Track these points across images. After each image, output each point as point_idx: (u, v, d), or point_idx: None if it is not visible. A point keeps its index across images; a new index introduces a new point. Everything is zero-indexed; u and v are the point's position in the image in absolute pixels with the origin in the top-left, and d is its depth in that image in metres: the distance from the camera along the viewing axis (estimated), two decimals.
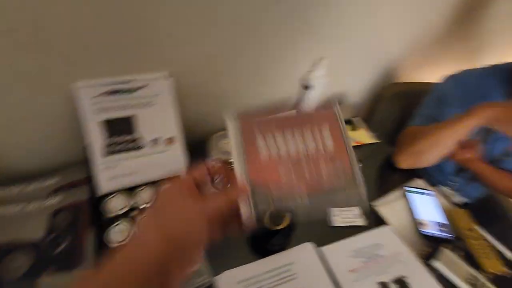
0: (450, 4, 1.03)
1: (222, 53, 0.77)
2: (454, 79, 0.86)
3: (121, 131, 0.66)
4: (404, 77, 1.19)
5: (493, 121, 0.67)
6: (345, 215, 0.70)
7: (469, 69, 0.87)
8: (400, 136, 0.87)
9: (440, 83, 0.88)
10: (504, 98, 0.81)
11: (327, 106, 0.33)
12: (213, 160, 0.32)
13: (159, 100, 0.68)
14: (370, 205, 0.74)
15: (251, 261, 0.58)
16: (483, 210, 1.04)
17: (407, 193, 0.77)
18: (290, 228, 0.60)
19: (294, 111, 0.33)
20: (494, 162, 0.87)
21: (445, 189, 0.98)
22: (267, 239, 0.60)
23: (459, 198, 0.99)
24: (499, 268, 0.63)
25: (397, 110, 1.10)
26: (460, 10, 1.07)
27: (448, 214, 0.73)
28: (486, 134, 0.85)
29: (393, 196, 0.77)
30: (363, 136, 0.96)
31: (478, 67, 0.87)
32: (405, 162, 0.83)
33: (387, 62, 1.11)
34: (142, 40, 0.66)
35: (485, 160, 0.87)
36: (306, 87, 0.92)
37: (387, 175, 0.88)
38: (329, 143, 0.30)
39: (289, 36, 0.84)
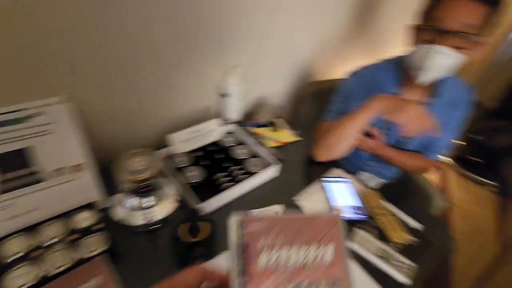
0: (349, 6, 1.15)
1: (128, 72, 0.75)
2: (354, 75, 0.95)
3: (15, 166, 0.60)
4: (320, 76, 1.29)
5: (383, 111, 0.76)
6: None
7: (366, 65, 0.97)
8: (315, 131, 0.94)
9: (343, 79, 0.97)
10: (397, 88, 0.92)
11: (332, 217, 0.31)
12: (206, 265, 0.29)
13: (58, 127, 0.64)
14: (292, 201, 0.78)
15: None
16: (397, 188, 1.17)
17: (323, 184, 0.83)
18: (211, 238, 0.60)
19: (297, 215, 0.31)
20: (397, 144, 0.98)
21: (365, 173, 1.08)
22: (189, 252, 0.59)
23: (377, 180, 1.09)
24: (405, 237, 0.70)
25: (316, 107, 1.18)
26: (358, 12, 1.21)
27: (361, 196, 0.80)
28: (387, 121, 0.95)
29: (313, 189, 0.82)
30: (285, 135, 1.01)
31: (373, 62, 0.98)
32: (321, 155, 0.90)
33: (301, 64, 1.20)
34: (36, 65, 0.62)
35: (389, 144, 0.97)
36: (223, 95, 0.95)
37: (310, 169, 0.93)
38: (330, 258, 0.29)
39: (200, 49, 0.85)
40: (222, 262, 0.61)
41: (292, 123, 1.21)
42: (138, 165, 0.61)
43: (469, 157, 2.07)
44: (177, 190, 0.72)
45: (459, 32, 0.71)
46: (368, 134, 0.93)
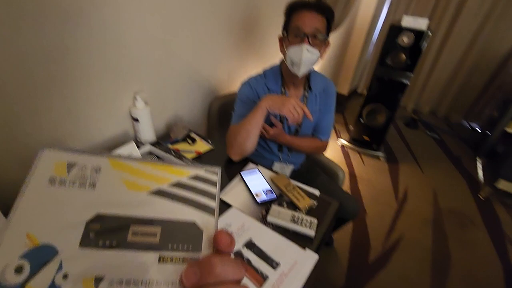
0: (237, 29, 1.35)
1: (40, 106, 0.76)
2: (246, 84, 1.14)
3: None
4: (224, 90, 1.45)
5: (269, 107, 0.95)
6: None
7: (253, 75, 1.17)
8: (226, 136, 1.07)
9: (239, 89, 1.14)
10: (281, 88, 1.14)
11: None
12: None
13: None
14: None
15: None
16: (306, 170, 1.38)
17: (242, 177, 0.96)
18: None
19: None
20: (294, 133, 1.20)
21: (279, 164, 1.26)
22: None
23: (290, 167, 1.28)
24: (308, 203, 0.88)
25: (224, 117, 1.33)
26: (245, 33, 1.42)
27: (271, 180, 0.96)
28: (281, 115, 1.16)
29: (233, 183, 0.95)
30: (200, 146, 1.11)
31: (258, 72, 1.18)
32: (235, 155, 1.03)
33: (205, 83, 1.34)
34: None
35: (288, 133, 1.18)
36: (135, 120, 1.01)
37: (229, 169, 1.06)
38: None
39: (109, 80, 0.91)
40: None
41: (208, 135, 1.32)
42: None
43: (361, 137, 2.54)
44: None
45: (314, 34, 0.98)
46: (271, 126, 1.12)
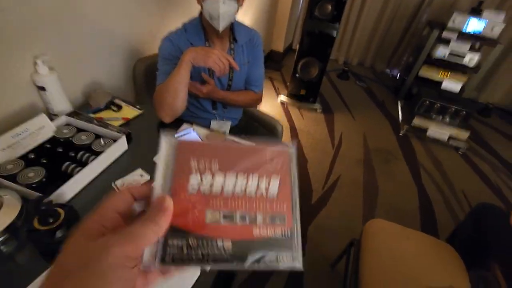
0: None
1: None
2: (167, 40, 1.06)
3: None
4: (148, 51, 1.33)
5: (193, 60, 0.91)
6: (129, 181, 0.78)
7: (173, 30, 1.08)
8: (153, 97, 1.01)
9: (160, 46, 1.06)
10: (205, 42, 1.08)
11: (281, 150, 0.29)
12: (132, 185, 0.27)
13: None
14: (153, 162, 0.85)
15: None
16: (244, 125, 1.40)
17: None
18: (68, 221, 0.60)
19: (240, 144, 0.28)
20: (227, 87, 1.18)
21: (215, 122, 1.25)
22: (49, 242, 0.59)
23: (228, 124, 1.28)
24: None
25: (151, 79, 1.24)
26: None
27: (207, 138, 0.95)
28: (211, 70, 1.11)
29: None
30: (128, 112, 1.03)
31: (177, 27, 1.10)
32: (166, 116, 0.98)
33: (124, 43, 1.20)
34: None
35: (221, 88, 1.16)
36: (41, 88, 0.88)
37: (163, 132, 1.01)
38: (274, 193, 0.27)
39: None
40: None
41: (137, 100, 1.23)
42: None
43: (298, 91, 2.63)
44: (15, 195, 0.66)
45: None
46: (203, 84, 1.08)
